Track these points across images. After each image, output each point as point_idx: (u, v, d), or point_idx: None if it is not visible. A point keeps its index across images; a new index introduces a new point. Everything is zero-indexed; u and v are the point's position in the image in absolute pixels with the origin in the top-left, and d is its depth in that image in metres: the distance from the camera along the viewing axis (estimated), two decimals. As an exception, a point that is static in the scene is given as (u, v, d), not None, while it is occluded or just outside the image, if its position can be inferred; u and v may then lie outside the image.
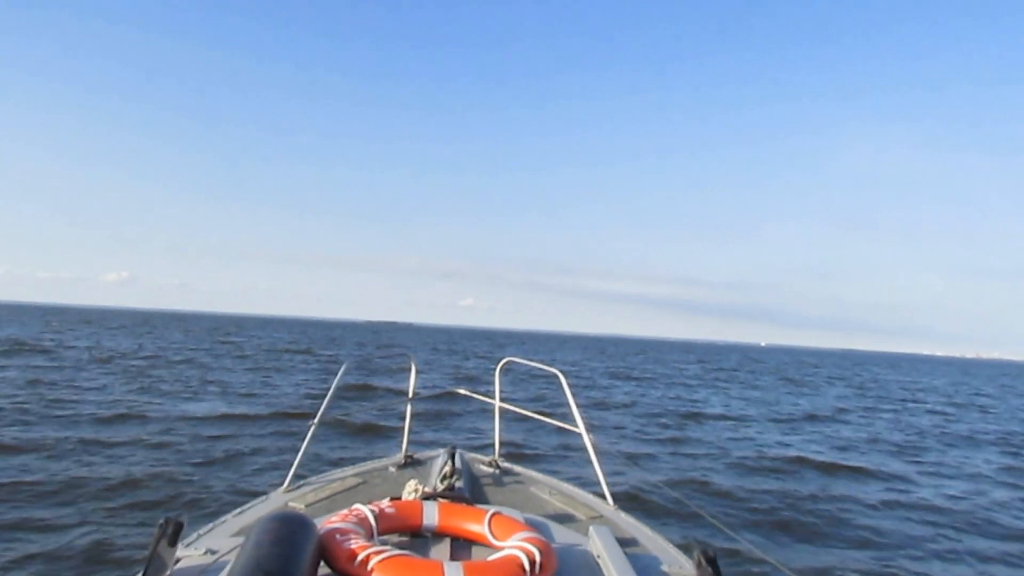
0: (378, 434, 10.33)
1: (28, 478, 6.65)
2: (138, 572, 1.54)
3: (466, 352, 45.08)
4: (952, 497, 8.63)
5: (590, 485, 3.01)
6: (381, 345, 49.02)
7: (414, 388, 3.65)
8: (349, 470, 3.00)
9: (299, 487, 2.69)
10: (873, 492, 8.60)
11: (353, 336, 72.02)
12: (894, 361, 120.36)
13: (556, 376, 3.24)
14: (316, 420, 3.03)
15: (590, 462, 2.90)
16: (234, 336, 50.68)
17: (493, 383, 3.69)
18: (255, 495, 2.62)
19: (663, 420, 14.39)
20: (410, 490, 2.29)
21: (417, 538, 1.98)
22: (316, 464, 7.60)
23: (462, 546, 1.95)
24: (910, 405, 23.34)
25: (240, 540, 1.74)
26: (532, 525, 1.99)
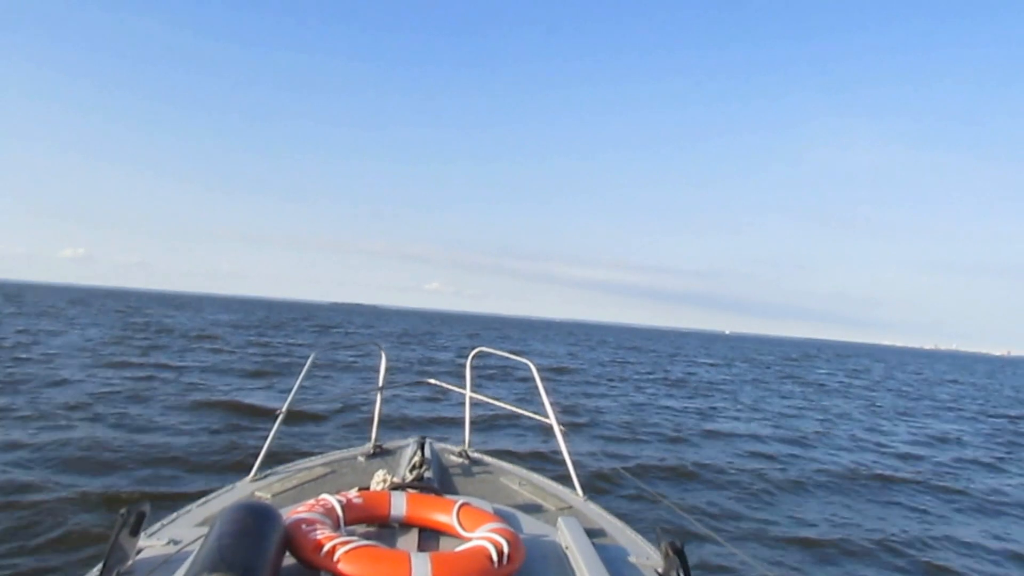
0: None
1: None
2: (99, 563, 1.51)
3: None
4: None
5: (560, 476, 3.02)
6: (320, 327, 43.57)
7: (384, 378, 3.63)
8: (317, 460, 2.97)
9: (266, 476, 2.66)
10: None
11: (299, 318, 64.48)
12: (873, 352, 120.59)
13: (528, 366, 3.25)
14: (283, 410, 2.99)
15: (560, 453, 2.91)
16: (151, 317, 42.23)
17: (464, 373, 3.68)
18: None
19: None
20: (378, 480, 2.27)
21: (385, 528, 1.97)
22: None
23: (430, 537, 1.95)
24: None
25: (204, 530, 1.71)
26: (501, 516, 2.00)
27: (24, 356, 15.42)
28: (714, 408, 15.81)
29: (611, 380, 21.28)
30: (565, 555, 1.89)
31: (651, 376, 24.28)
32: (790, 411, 16.42)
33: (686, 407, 15.40)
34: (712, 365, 34.86)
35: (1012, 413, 20.75)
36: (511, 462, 3.19)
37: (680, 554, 1.72)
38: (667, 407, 15.04)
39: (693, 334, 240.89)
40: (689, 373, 27.46)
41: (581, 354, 36.21)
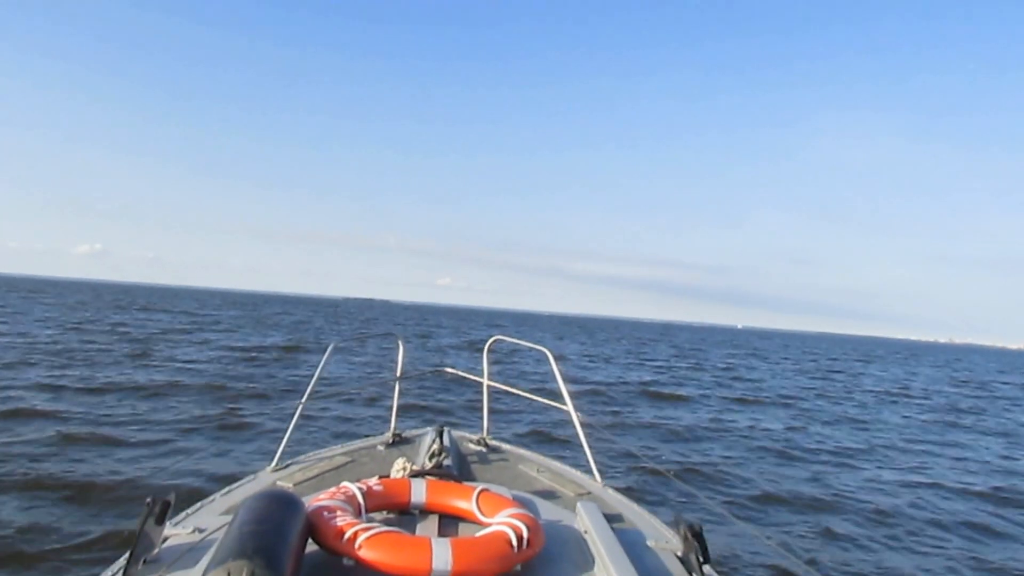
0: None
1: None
2: (126, 551, 1.53)
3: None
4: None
5: (578, 462, 3.03)
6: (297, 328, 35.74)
7: (402, 367, 3.65)
8: (337, 448, 3.00)
9: (287, 466, 2.69)
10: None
11: (302, 314, 58.23)
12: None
13: (544, 354, 3.26)
14: (303, 400, 3.02)
15: (578, 439, 2.93)
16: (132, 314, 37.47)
17: (481, 361, 3.70)
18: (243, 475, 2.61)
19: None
20: (398, 468, 2.30)
21: (405, 515, 1.99)
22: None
23: (450, 523, 1.97)
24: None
25: (228, 518, 1.74)
26: (520, 502, 2.01)
27: None
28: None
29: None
30: (584, 539, 1.90)
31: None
32: None
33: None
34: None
35: None
36: (529, 449, 3.21)
37: (699, 537, 1.72)
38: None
39: (707, 329, 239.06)
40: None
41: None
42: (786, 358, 39.71)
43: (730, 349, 47.83)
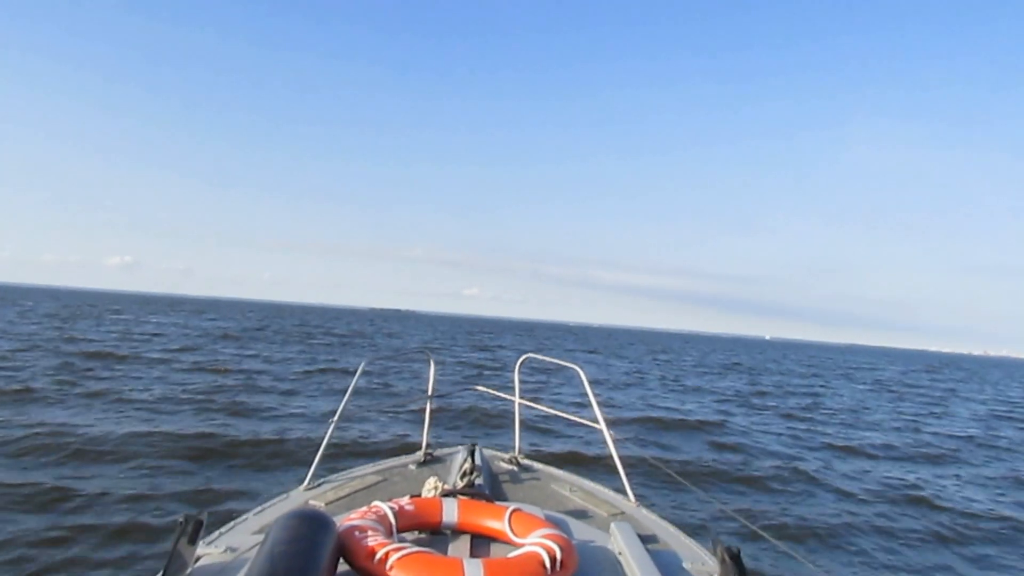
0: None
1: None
2: (159, 570, 1.54)
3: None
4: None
5: (611, 482, 2.98)
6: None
7: (433, 385, 3.64)
8: (369, 468, 3.00)
9: (319, 485, 2.70)
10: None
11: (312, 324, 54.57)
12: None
13: (576, 372, 3.23)
14: (335, 418, 3.02)
15: (611, 459, 2.89)
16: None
17: (512, 379, 3.68)
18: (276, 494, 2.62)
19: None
20: (430, 487, 2.29)
21: (436, 535, 1.97)
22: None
23: (482, 543, 1.95)
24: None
25: (260, 538, 1.74)
26: (553, 522, 1.99)
27: None
28: None
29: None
30: (618, 561, 1.87)
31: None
32: None
33: None
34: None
35: None
36: (562, 468, 3.17)
37: (737, 560, 1.68)
38: None
39: (736, 340, 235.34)
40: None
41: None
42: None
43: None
